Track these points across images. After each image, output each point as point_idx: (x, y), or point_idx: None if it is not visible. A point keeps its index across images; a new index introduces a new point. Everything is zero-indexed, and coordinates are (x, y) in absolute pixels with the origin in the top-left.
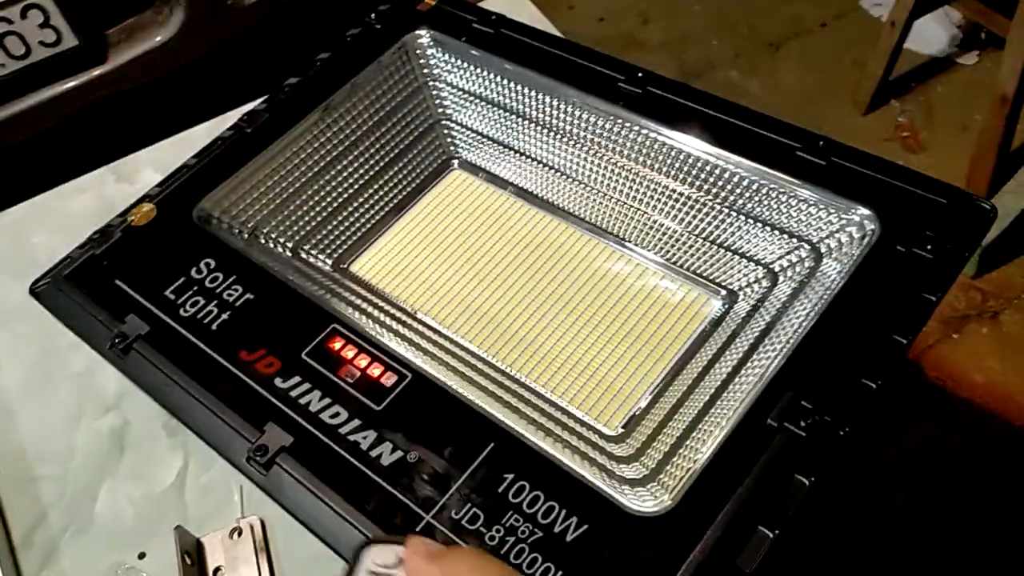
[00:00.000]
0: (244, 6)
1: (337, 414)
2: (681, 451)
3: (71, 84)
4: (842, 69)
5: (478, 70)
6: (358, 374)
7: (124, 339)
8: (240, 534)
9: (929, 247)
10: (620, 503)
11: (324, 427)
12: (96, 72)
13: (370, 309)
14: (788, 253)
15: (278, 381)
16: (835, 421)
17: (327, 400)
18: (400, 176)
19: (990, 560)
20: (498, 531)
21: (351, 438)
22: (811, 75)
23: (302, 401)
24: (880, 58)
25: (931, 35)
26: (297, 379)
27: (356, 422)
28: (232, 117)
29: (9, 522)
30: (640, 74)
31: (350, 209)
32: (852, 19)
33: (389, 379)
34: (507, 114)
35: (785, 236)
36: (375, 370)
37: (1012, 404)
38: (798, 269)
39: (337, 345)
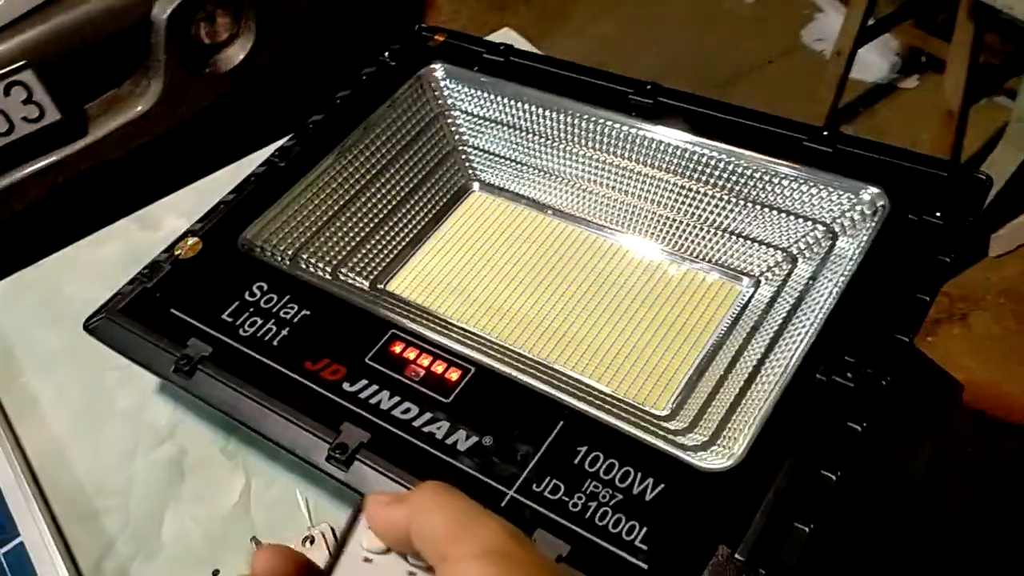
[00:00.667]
0: (221, 73)
1: (408, 409)
2: (736, 416)
3: (54, 158)
4: (792, 102)
5: (490, 96)
6: (423, 372)
7: (189, 361)
8: (313, 542)
9: (938, 214)
10: (691, 463)
11: (398, 422)
12: (78, 145)
13: (420, 317)
14: (805, 235)
15: (346, 385)
16: (877, 372)
17: (397, 398)
18: (425, 200)
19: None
20: (580, 498)
21: (426, 430)
22: (763, 109)
23: (372, 401)
24: (828, 89)
25: (873, 63)
26: (364, 382)
27: (428, 415)
28: (254, 160)
29: (76, 554)
30: (649, 86)
31: (381, 233)
32: (797, 55)
33: (453, 374)
34: (521, 133)
35: (800, 220)
36: (439, 367)
37: (992, 398)
38: (815, 249)
39: (398, 348)
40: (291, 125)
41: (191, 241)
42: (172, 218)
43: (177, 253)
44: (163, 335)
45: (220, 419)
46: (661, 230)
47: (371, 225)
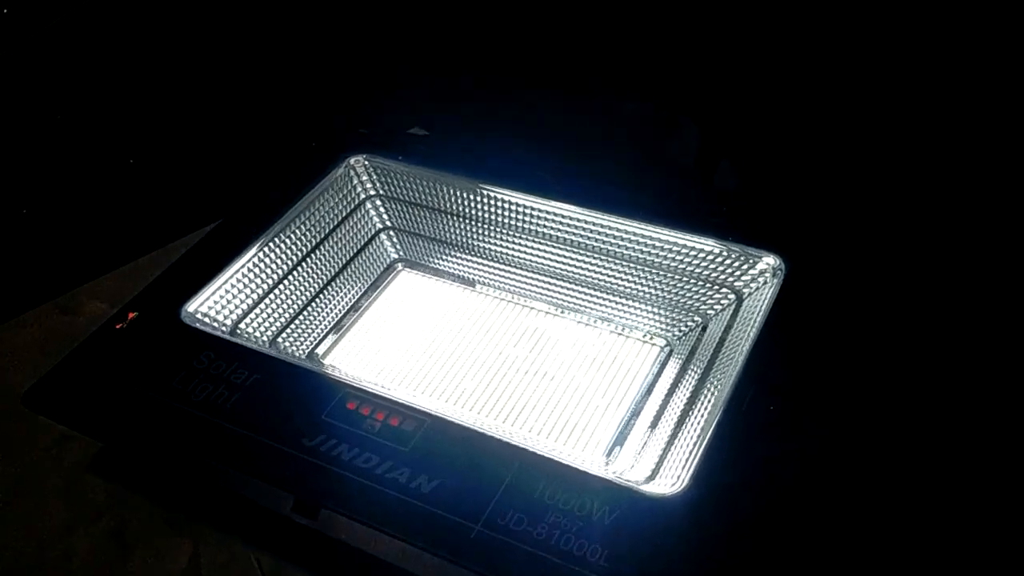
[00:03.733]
0: None
1: (369, 459)
2: (675, 449)
3: None
4: None
5: (411, 182)
6: (379, 426)
7: (140, 426)
8: None
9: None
10: (643, 491)
11: (360, 471)
12: None
13: (369, 380)
14: (715, 299)
15: (304, 441)
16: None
17: (357, 449)
18: (354, 278)
19: None
20: (543, 527)
21: (388, 476)
22: None
23: (333, 454)
24: None
25: None
26: (323, 437)
27: (389, 463)
28: (179, 246)
29: None
30: (561, 169)
31: (313, 307)
32: None
33: (409, 425)
34: (441, 215)
35: (709, 285)
36: (394, 420)
37: None
38: (726, 311)
39: (353, 405)
40: (217, 210)
41: (132, 315)
42: (95, 302)
43: (119, 326)
44: (111, 402)
45: (160, 489)
46: (581, 302)
47: (303, 299)
